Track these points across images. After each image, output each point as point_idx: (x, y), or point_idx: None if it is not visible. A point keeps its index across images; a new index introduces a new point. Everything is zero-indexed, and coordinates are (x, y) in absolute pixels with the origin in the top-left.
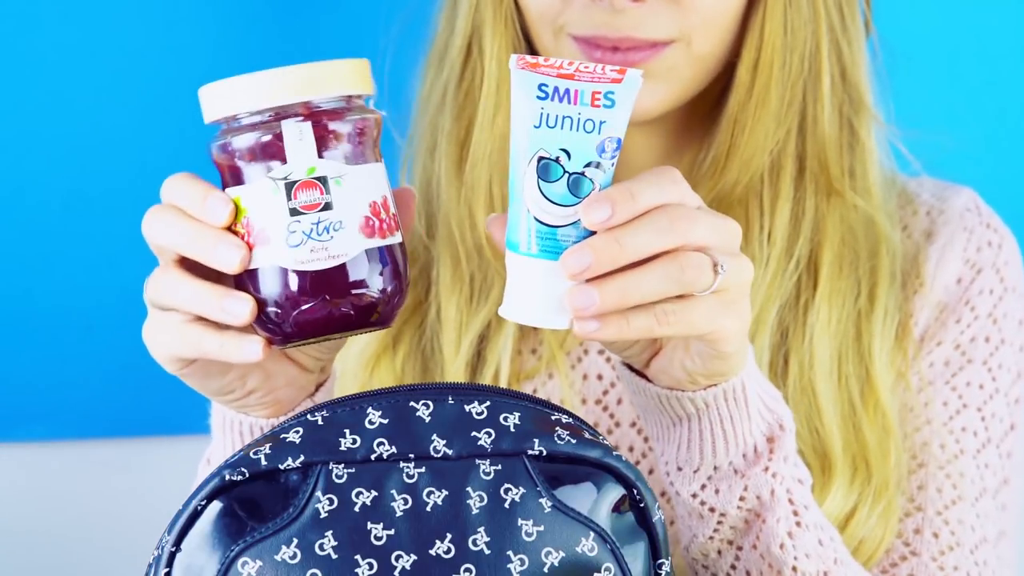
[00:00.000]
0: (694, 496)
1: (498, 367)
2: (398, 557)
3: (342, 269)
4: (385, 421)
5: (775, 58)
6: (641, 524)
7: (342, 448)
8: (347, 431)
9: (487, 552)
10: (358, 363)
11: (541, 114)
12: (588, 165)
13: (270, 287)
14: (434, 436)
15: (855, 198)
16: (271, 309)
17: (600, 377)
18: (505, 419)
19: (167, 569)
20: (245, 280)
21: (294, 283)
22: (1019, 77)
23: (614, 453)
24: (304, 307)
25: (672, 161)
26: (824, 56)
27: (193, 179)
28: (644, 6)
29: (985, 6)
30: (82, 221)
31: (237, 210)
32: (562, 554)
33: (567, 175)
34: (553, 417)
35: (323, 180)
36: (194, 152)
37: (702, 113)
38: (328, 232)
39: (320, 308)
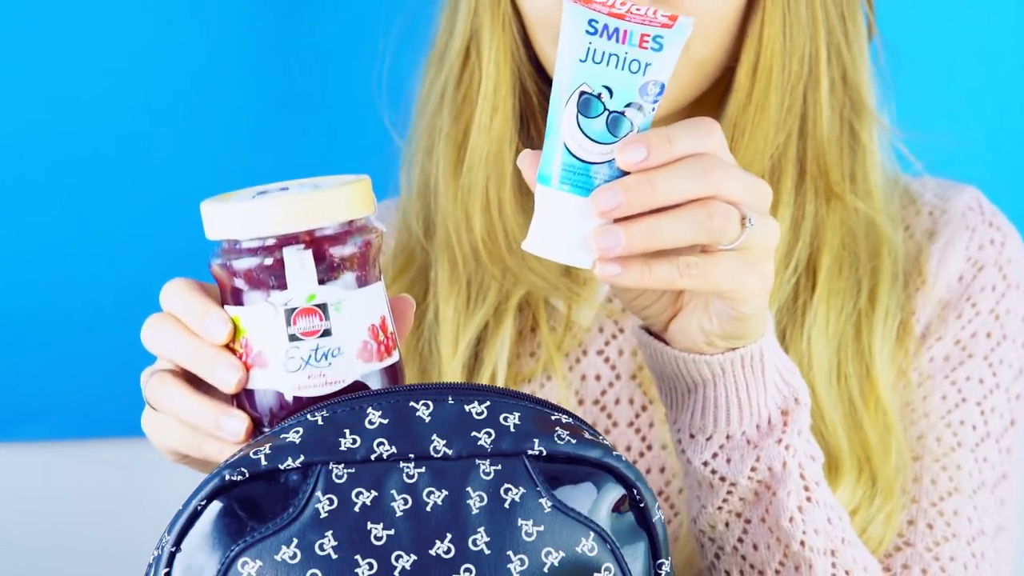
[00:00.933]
0: (705, 464)
1: (495, 369)
2: (398, 557)
3: (338, 396)
4: (385, 421)
5: (774, 63)
6: (641, 524)
7: (342, 448)
8: (347, 431)
9: (487, 552)
10: None
11: (588, 49)
12: (629, 105)
13: (266, 408)
14: (434, 436)
15: (856, 201)
16: (267, 428)
17: (598, 378)
18: (505, 419)
19: (167, 569)
20: (242, 397)
21: (291, 408)
22: (1021, 77)
23: (614, 453)
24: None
25: None
26: (823, 60)
27: (192, 290)
28: None
29: (987, 6)
30: (82, 221)
31: (236, 329)
32: (562, 554)
33: (607, 112)
34: (553, 417)
35: (323, 307)
36: (194, 152)
37: (704, 116)
38: (327, 359)
39: None
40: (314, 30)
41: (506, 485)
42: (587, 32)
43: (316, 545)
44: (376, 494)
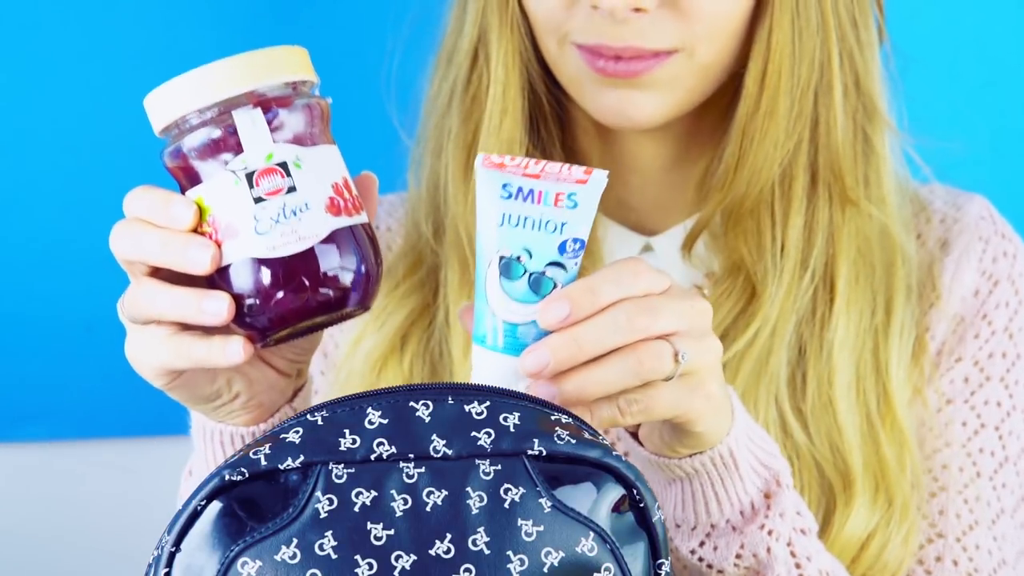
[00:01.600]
0: (692, 552)
1: None
2: (398, 557)
3: (314, 251)
4: (385, 421)
5: (783, 68)
6: (641, 524)
7: (342, 448)
8: (347, 431)
9: (487, 552)
10: (365, 364)
11: (504, 214)
12: (550, 264)
13: (244, 280)
14: (434, 436)
15: (870, 207)
16: (249, 302)
17: None
18: (505, 419)
19: (167, 569)
20: (218, 281)
21: (268, 272)
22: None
23: (614, 453)
24: (281, 295)
25: (683, 169)
26: (835, 65)
27: (152, 189)
28: (646, 16)
29: (996, 11)
30: (82, 221)
31: (201, 211)
32: (562, 554)
33: (528, 274)
34: (553, 417)
35: (283, 165)
36: None
37: (712, 121)
38: (295, 215)
39: (297, 293)
40: (321, 28)
41: (506, 485)
42: (502, 197)
43: (316, 545)
44: (376, 494)
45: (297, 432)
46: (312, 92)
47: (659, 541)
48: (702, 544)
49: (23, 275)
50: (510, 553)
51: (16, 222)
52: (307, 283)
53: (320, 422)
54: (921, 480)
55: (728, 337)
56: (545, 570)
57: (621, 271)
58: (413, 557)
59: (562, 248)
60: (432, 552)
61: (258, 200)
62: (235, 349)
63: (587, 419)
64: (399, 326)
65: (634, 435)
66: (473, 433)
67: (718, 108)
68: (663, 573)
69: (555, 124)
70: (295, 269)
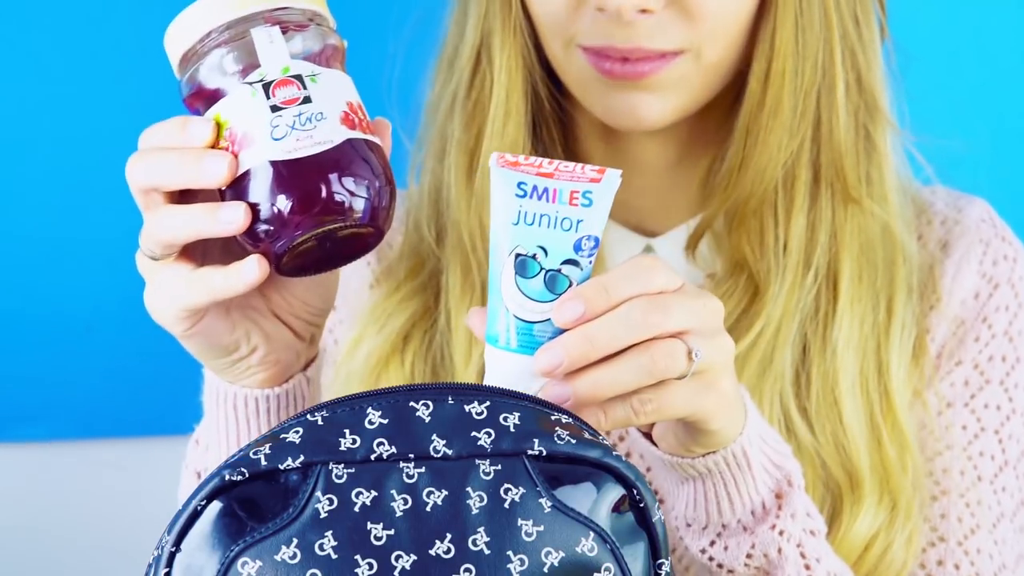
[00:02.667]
0: (703, 552)
1: None
2: (398, 557)
3: (330, 155)
4: (385, 421)
5: (787, 68)
6: (641, 524)
7: (342, 448)
8: (347, 431)
9: (487, 552)
10: (366, 365)
11: (519, 212)
12: (565, 262)
13: (262, 187)
14: (434, 436)
15: (872, 205)
16: (267, 210)
17: None
18: (505, 419)
19: (167, 569)
20: (234, 196)
21: (285, 174)
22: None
23: (614, 453)
24: (296, 197)
25: (686, 170)
26: (838, 64)
27: (168, 120)
28: (652, 17)
29: (997, 9)
30: (82, 221)
31: (218, 127)
32: (562, 554)
33: (544, 272)
34: (553, 417)
35: (299, 78)
36: None
37: (716, 121)
38: (311, 122)
39: (312, 195)
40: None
41: (506, 485)
42: (517, 195)
43: (316, 545)
44: (376, 494)
45: (297, 432)
46: (332, 27)
47: (659, 541)
48: (713, 543)
49: (23, 275)
50: (510, 553)
51: (16, 222)
52: (321, 185)
53: (320, 422)
54: (922, 482)
55: (731, 337)
56: (545, 570)
57: (635, 269)
58: (413, 557)
59: (577, 246)
60: (432, 552)
61: (274, 109)
62: (250, 267)
63: (600, 420)
64: (400, 328)
65: (647, 435)
66: (473, 433)
67: (721, 108)
68: (663, 573)
69: (557, 127)
70: (310, 170)
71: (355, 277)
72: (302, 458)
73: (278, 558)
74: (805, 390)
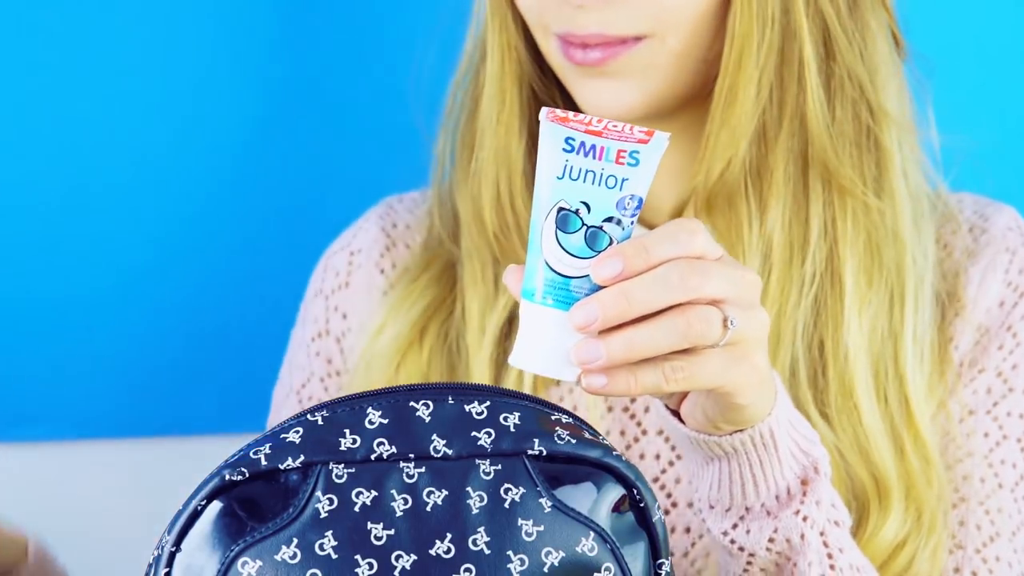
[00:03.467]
0: (724, 534)
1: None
2: (398, 557)
3: None
4: (385, 421)
5: (744, 55)
6: (641, 524)
7: (342, 448)
8: (347, 431)
9: (487, 552)
10: (391, 348)
11: (565, 166)
12: (607, 220)
13: None
14: (434, 436)
15: (876, 202)
16: None
17: None
18: (505, 419)
19: (167, 569)
20: None
21: None
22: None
23: (614, 453)
24: None
25: (674, 161)
26: (809, 55)
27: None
28: (609, 2)
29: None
30: (82, 221)
31: None
32: (562, 554)
33: (585, 228)
34: (553, 417)
35: None
36: (196, 152)
37: (705, 112)
38: None
39: None
40: (353, 24)
41: (506, 485)
42: (564, 150)
43: (316, 545)
44: (376, 494)
45: (297, 432)
46: None
47: (659, 541)
48: (735, 526)
49: (23, 275)
50: (510, 553)
51: (16, 222)
52: None
53: (320, 422)
54: (947, 496)
55: None
56: (545, 570)
57: (678, 230)
58: (413, 557)
59: (620, 204)
60: (432, 552)
61: None
62: None
63: (631, 384)
64: (419, 316)
65: (675, 412)
66: (473, 433)
67: (701, 100)
68: (663, 573)
69: None
70: None
71: (363, 286)
72: (302, 458)
73: (278, 558)
74: (824, 392)
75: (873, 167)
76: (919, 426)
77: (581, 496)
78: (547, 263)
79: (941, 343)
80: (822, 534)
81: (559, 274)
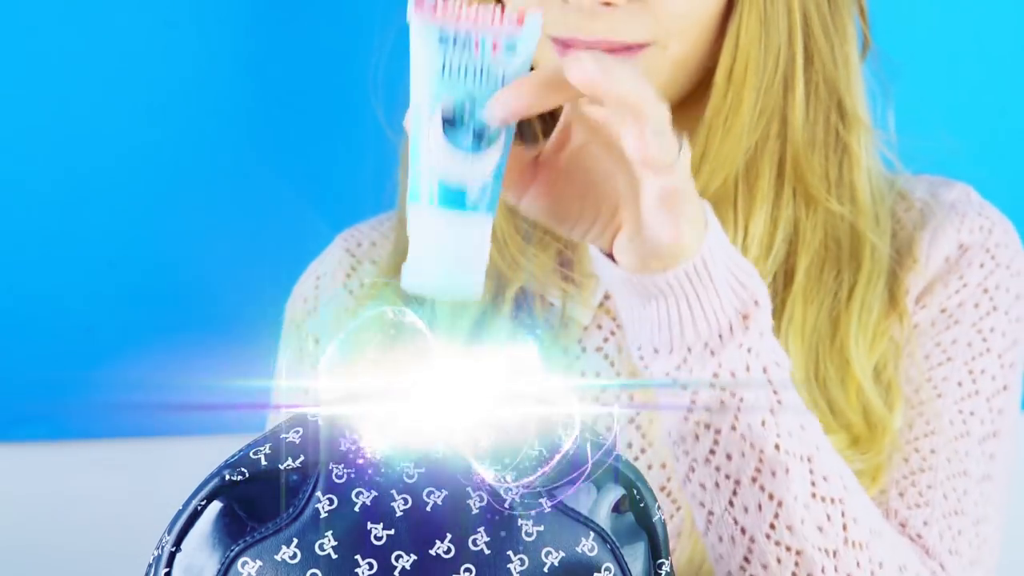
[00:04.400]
0: (667, 374)
1: None
2: (398, 557)
3: None
4: None
5: (749, 65)
6: (641, 524)
7: (342, 448)
8: (347, 431)
9: (487, 552)
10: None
11: (444, 62)
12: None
13: None
14: None
15: (839, 207)
16: None
17: (597, 375)
18: None
19: (167, 569)
20: None
21: None
22: (1017, 81)
23: (614, 453)
24: None
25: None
26: (799, 65)
27: None
28: (617, 9)
29: (982, 10)
30: (82, 221)
31: None
32: (562, 554)
33: (473, 123)
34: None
35: None
36: (195, 152)
37: (695, 118)
38: None
39: None
40: (342, 28)
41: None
42: (439, 44)
43: (316, 545)
44: (376, 494)
45: (297, 432)
46: None
47: (659, 541)
48: (678, 368)
49: (23, 275)
50: (510, 553)
51: (16, 222)
52: None
53: (320, 422)
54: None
55: None
56: (545, 570)
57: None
58: (413, 557)
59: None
60: (432, 552)
61: None
62: None
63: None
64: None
65: (608, 255)
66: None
67: (695, 106)
68: (663, 573)
69: (539, 122)
70: None
71: (331, 309)
72: (302, 458)
73: (278, 558)
74: None
75: (837, 170)
76: (862, 385)
77: (581, 496)
78: (433, 165)
79: (893, 291)
80: (765, 369)
81: (447, 173)
